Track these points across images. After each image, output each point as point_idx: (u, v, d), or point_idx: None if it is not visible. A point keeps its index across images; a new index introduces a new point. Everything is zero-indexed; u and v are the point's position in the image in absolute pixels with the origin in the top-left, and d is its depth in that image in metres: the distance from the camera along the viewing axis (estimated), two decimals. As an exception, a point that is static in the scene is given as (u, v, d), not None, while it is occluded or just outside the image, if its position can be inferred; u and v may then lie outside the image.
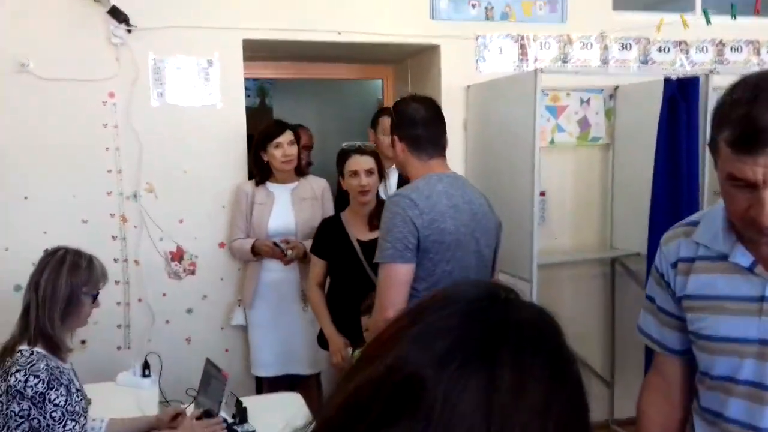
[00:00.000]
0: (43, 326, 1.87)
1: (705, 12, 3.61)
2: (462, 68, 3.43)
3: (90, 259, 2.00)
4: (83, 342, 3.05)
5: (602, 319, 3.70)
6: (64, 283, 1.90)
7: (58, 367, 1.89)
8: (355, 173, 2.71)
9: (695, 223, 1.33)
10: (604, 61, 3.60)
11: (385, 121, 3.08)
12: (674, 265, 1.33)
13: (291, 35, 3.20)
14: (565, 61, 3.54)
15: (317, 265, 2.82)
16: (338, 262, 2.77)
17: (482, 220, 2.07)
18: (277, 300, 3.02)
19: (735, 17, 3.63)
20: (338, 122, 6.87)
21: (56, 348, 1.91)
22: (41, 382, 1.81)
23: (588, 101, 3.60)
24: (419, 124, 2.06)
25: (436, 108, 2.13)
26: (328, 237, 2.79)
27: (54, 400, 1.82)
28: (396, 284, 1.91)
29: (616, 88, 3.58)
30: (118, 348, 3.11)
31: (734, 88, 1.12)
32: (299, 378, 3.06)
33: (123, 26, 2.97)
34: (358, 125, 6.73)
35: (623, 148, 3.53)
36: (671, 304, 1.36)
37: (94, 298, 1.98)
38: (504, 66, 3.46)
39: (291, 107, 6.61)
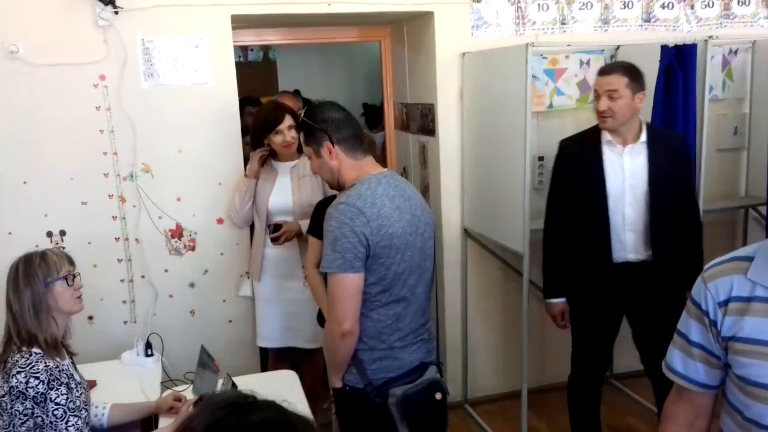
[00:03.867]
0: (26, 336, 1.95)
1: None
2: (457, 35, 3.36)
3: (42, 254, 2.04)
4: (90, 318, 3.17)
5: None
6: (25, 291, 1.97)
7: (57, 366, 1.98)
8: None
9: (749, 258, 1.22)
10: (605, 21, 3.49)
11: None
12: (724, 304, 1.23)
13: (279, 8, 3.14)
14: (564, 23, 3.44)
15: (315, 246, 2.82)
16: None
17: (421, 215, 2.07)
18: (280, 275, 3.10)
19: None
20: (344, 76, 6.79)
21: (50, 347, 1.99)
22: (41, 383, 1.90)
23: (588, 62, 3.51)
24: (345, 124, 2.04)
25: (346, 110, 2.11)
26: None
27: (55, 399, 1.92)
28: (349, 294, 1.93)
29: (617, 48, 3.47)
30: (125, 322, 3.23)
31: None
32: (304, 350, 3.16)
33: (109, 8, 2.94)
34: (363, 78, 6.66)
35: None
36: (711, 342, 1.27)
37: (70, 281, 2.04)
38: (501, 31, 3.37)
39: (295, 59, 6.53)
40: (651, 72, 3.09)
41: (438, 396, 2.05)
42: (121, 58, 3.01)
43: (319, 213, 2.84)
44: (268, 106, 3.21)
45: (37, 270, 1.99)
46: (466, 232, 3.56)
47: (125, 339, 3.00)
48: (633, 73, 2.60)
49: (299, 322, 3.10)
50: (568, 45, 3.36)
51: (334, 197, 2.83)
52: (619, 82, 2.56)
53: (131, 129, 3.07)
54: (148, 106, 3.08)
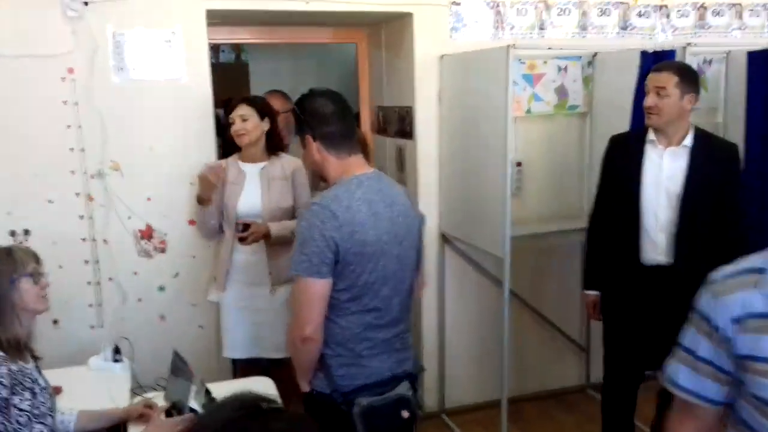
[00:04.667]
0: None
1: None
2: (436, 37, 3.33)
3: (8, 250, 1.95)
4: (56, 322, 3.04)
5: (577, 287, 3.73)
6: None
7: (20, 370, 1.87)
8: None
9: (759, 270, 1.17)
10: (583, 27, 3.50)
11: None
12: (738, 321, 1.17)
13: (256, 4, 3.07)
14: (542, 28, 3.44)
15: None
16: None
17: (404, 221, 1.98)
18: (247, 282, 2.99)
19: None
20: (315, 80, 6.73)
21: (13, 349, 1.88)
22: (4, 388, 1.79)
23: (565, 69, 3.52)
24: (331, 119, 1.94)
25: (343, 100, 2.01)
26: None
27: (19, 405, 1.80)
28: (312, 300, 1.85)
29: (595, 54, 3.50)
30: (92, 327, 3.10)
31: None
32: (272, 361, 3.03)
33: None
34: (335, 83, 6.60)
35: (601, 117, 3.48)
36: (724, 359, 1.22)
37: (35, 279, 1.94)
38: (479, 35, 3.36)
39: (268, 64, 6.44)
40: (628, 79, 3.12)
41: (405, 414, 1.96)
42: (90, 51, 2.90)
43: None
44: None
45: (1, 266, 1.89)
46: (444, 237, 3.52)
47: (92, 344, 2.88)
48: (685, 74, 2.58)
49: (267, 331, 2.99)
50: (549, 48, 3.36)
51: None
52: (668, 79, 2.54)
53: (100, 125, 2.96)
54: (118, 101, 2.97)
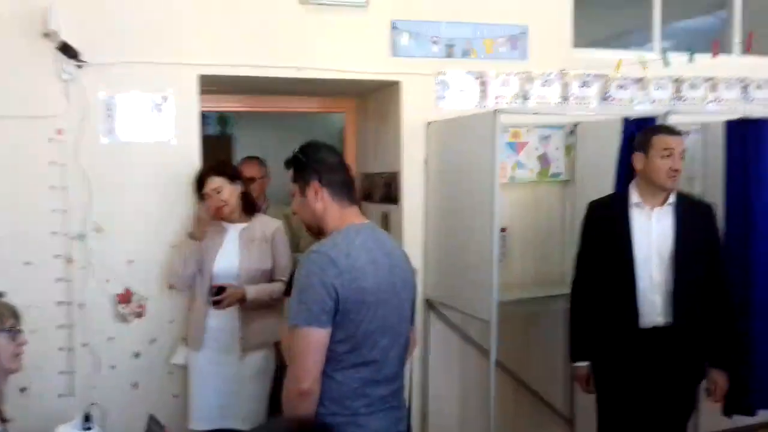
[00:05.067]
0: None
1: (664, 55, 3.65)
2: (423, 105, 3.40)
3: None
4: (23, 390, 2.89)
5: (563, 355, 3.67)
6: None
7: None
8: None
9: None
10: (565, 98, 3.61)
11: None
12: None
13: (249, 71, 3.12)
14: (525, 98, 3.54)
15: None
16: None
17: (401, 272, 1.96)
18: (216, 348, 2.88)
19: (692, 60, 3.70)
20: (301, 150, 6.80)
21: None
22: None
23: (548, 138, 3.60)
24: (337, 168, 1.96)
25: (341, 155, 2.05)
26: None
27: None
28: (311, 351, 1.78)
29: (576, 124, 3.58)
30: (60, 396, 2.96)
31: None
32: None
33: (73, 62, 2.87)
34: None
35: (583, 184, 3.53)
36: None
37: (13, 336, 1.85)
38: (464, 103, 3.44)
39: (253, 135, 6.51)
40: (608, 146, 3.18)
41: None
42: (81, 113, 2.91)
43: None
44: (201, 168, 3.02)
45: None
46: (429, 303, 3.47)
47: (59, 413, 2.73)
48: None
49: (234, 400, 2.86)
50: (535, 113, 3.44)
51: None
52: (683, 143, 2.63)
53: (86, 186, 2.93)
54: (105, 162, 2.96)
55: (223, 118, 6.58)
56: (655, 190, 2.63)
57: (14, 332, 1.87)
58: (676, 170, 2.59)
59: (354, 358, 1.84)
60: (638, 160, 2.65)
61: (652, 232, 2.63)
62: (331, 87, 3.52)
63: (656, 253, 2.61)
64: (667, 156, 2.58)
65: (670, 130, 2.67)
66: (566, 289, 3.26)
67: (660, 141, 2.60)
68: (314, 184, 1.92)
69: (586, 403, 3.47)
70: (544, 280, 3.62)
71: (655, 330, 2.61)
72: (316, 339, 1.77)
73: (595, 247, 2.74)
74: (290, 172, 1.99)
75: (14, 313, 1.91)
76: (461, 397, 3.57)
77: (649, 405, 2.62)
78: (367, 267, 1.84)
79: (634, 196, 2.67)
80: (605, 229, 2.71)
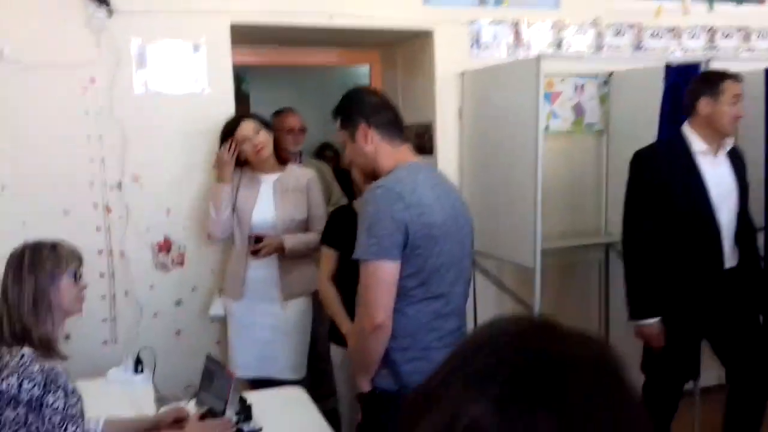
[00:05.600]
0: (19, 331, 1.75)
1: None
2: (456, 54, 3.36)
3: (53, 245, 1.86)
4: (66, 337, 2.91)
5: (596, 304, 3.69)
6: (28, 280, 1.77)
7: (53, 369, 1.77)
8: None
9: None
10: (598, 47, 3.56)
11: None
12: None
13: (280, 18, 3.08)
14: (558, 47, 3.50)
15: (329, 257, 2.62)
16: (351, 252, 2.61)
17: (461, 209, 1.97)
18: (256, 298, 2.88)
19: (740, 2, 3.65)
20: (318, 110, 6.74)
21: (45, 348, 1.79)
22: (37, 386, 1.69)
23: (582, 87, 3.56)
24: (383, 107, 1.95)
25: (384, 95, 2.04)
26: (341, 226, 2.58)
27: (52, 404, 1.70)
28: (384, 284, 1.78)
29: (611, 74, 3.54)
30: (104, 342, 2.99)
31: None
32: (280, 382, 2.83)
33: (103, 9, 2.82)
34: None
35: (618, 134, 3.51)
36: None
37: (76, 278, 1.86)
38: (498, 52, 3.40)
39: (269, 94, 6.45)
40: (646, 96, 3.15)
41: None
42: (113, 62, 2.88)
43: (333, 221, 2.70)
44: (229, 118, 2.97)
45: (45, 260, 1.80)
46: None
47: (103, 360, 2.76)
48: None
49: (278, 351, 2.88)
50: (579, 57, 3.40)
51: (348, 206, 2.72)
52: None
53: (121, 136, 2.91)
54: (140, 112, 2.93)
55: (236, 77, 6.51)
56: (716, 136, 2.61)
57: (78, 275, 1.87)
58: (739, 117, 2.60)
59: (423, 293, 1.85)
60: (706, 104, 2.58)
61: (719, 177, 2.63)
62: (356, 37, 3.47)
63: (725, 198, 2.63)
64: (734, 103, 2.56)
65: (737, 77, 2.63)
66: (600, 239, 3.28)
67: (732, 87, 2.57)
68: (362, 127, 1.90)
69: (621, 351, 3.51)
70: (579, 231, 3.61)
71: (731, 271, 2.66)
72: (388, 272, 1.78)
73: (659, 196, 2.59)
74: (337, 123, 1.98)
75: (79, 257, 1.91)
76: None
77: (715, 341, 2.70)
78: (434, 202, 1.84)
79: (698, 143, 2.61)
80: (671, 177, 2.59)
